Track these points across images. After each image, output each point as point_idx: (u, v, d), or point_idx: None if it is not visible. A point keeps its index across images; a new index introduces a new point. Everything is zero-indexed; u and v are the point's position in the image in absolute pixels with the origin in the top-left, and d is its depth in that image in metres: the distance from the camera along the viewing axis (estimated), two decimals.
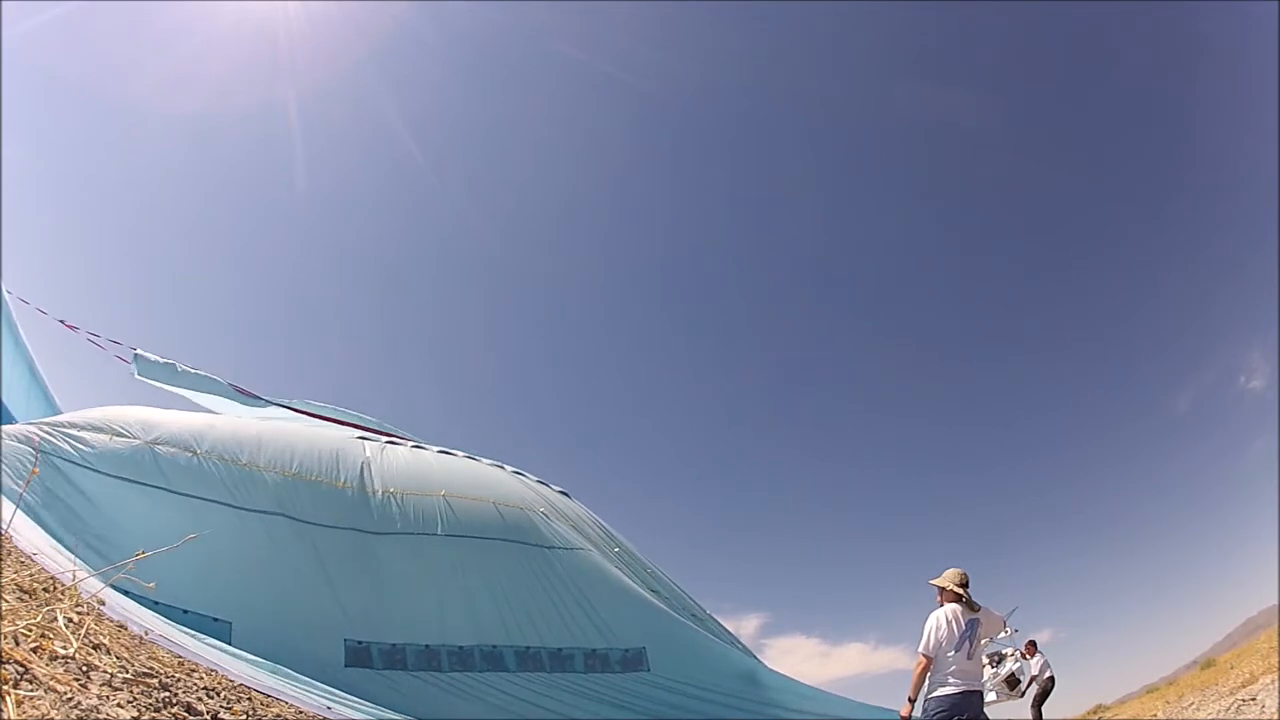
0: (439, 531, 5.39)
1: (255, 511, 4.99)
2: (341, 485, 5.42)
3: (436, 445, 7.13)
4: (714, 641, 5.89)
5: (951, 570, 4.42)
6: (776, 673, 6.35)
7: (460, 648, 5.04)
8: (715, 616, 7.06)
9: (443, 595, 5.24)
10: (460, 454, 6.59)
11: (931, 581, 4.47)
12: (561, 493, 6.67)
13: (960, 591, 4.29)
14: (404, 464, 5.88)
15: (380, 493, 5.48)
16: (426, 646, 4.93)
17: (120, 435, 4.99)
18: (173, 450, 5.05)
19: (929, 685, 4.21)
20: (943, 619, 4.23)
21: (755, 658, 6.92)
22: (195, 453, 5.07)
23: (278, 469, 5.27)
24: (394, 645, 4.84)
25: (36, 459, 4.68)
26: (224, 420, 5.72)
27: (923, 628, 4.27)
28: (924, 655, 4.17)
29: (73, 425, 4.98)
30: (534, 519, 5.82)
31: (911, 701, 4.23)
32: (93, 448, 4.83)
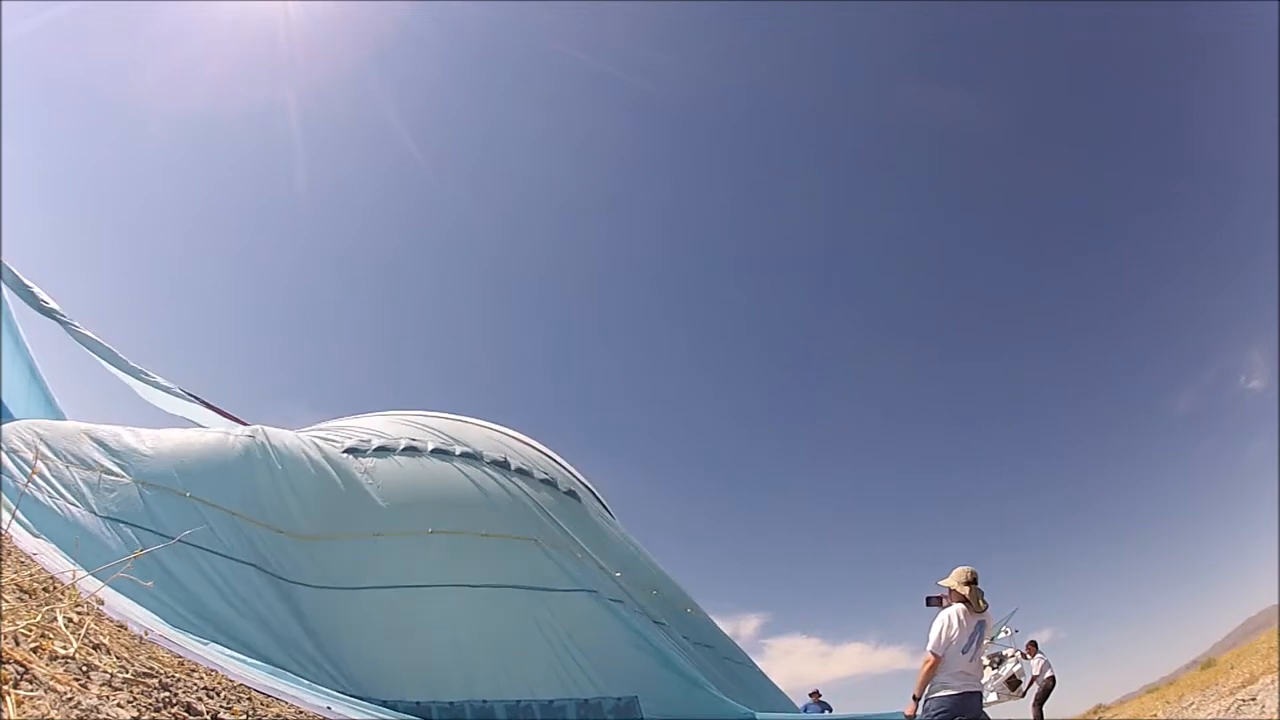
0: (426, 582, 5.14)
1: (239, 562, 4.80)
2: (314, 538, 5.12)
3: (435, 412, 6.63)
4: (706, 694, 5.57)
5: (959, 569, 4.38)
6: (778, 714, 6.08)
7: (451, 703, 4.81)
8: (717, 618, 6.82)
9: (433, 648, 4.98)
10: (458, 449, 5.94)
11: (940, 583, 4.45)
12: (568, 493, 6.17)
13: (964, 592, 4.29)
14: (392, 491, 5.47)
15: (363, 536, 5.19)
16: (417, 703, 4.70)
17: (110, 474, 4.80)
18: (162, 490, 4.89)
19: (930, 685, 4.20)
20: (953, 619, 4.20)
21: (765, 678, 6.65)
22: (185, 495, 4.89)
23: (254, 516, 5.03)
24: (384, 702, 4.65)
25: (36, 457, 4.66)
26: (199, 450, 5.36)
27: (931, 626, 4.24)
28: (933, 654, 4.14)
29: (60, 458, 4.79)
30: (531, 556, 5.46)
31: (916, 700, 4.21)
32: (82, 488, 4.68)
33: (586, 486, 6.64)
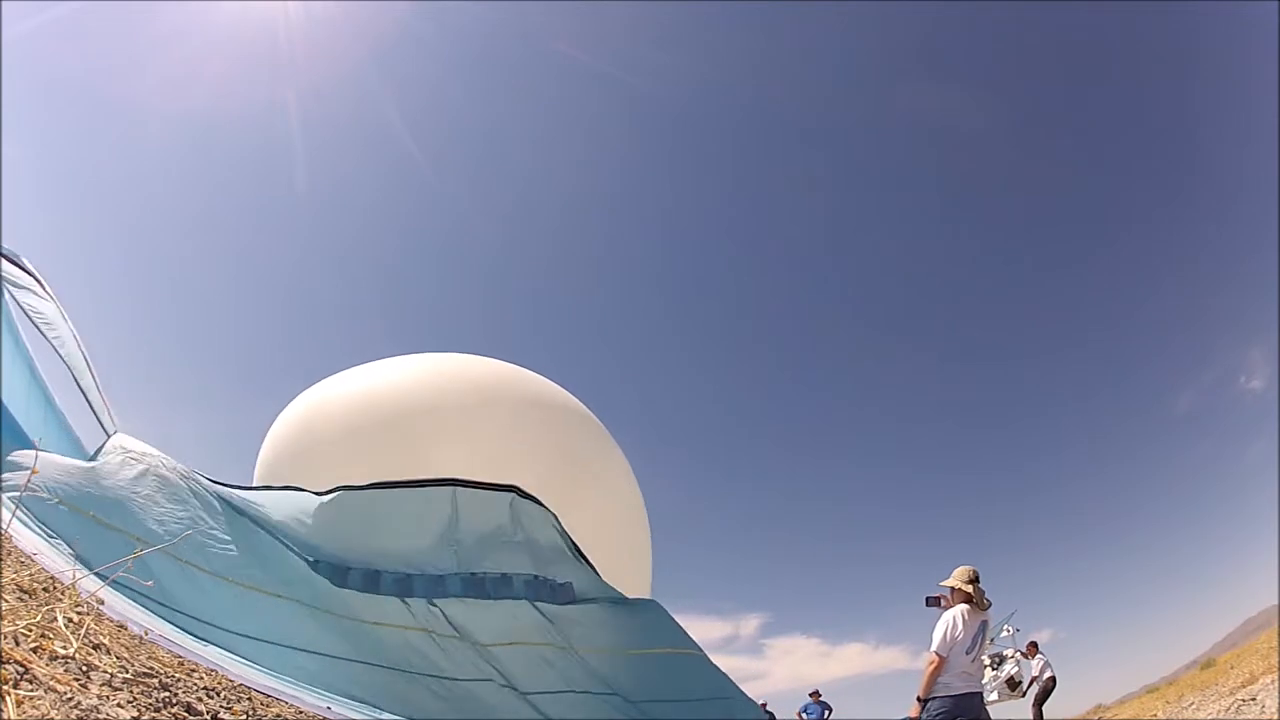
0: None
1: (253, 640, 4.29)
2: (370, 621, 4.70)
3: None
4: None
5: (961, 568, 4.36)
6: None
7: None
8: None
9: None
10: (446, 586, 5.10)
11: (942, 583, 4.43)
12: (564, 595, 5.48)
13: (969, 590, 4.27)
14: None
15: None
16: None
17: (103, 524, 4.25)
18: (156, 550, 4.41)
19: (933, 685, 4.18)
20: (958, 619, 4.17)
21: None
22: (191, 566, 4.38)
23: (285, 590, 4.55)
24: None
25: (36, 455, 4.62)
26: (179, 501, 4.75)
27: (935, 626, 4.21)
28: (938, 655, 4.10)
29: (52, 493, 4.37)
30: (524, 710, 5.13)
31: (921, 701, 4.15)
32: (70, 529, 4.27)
33: (573, 545, 5.89)
